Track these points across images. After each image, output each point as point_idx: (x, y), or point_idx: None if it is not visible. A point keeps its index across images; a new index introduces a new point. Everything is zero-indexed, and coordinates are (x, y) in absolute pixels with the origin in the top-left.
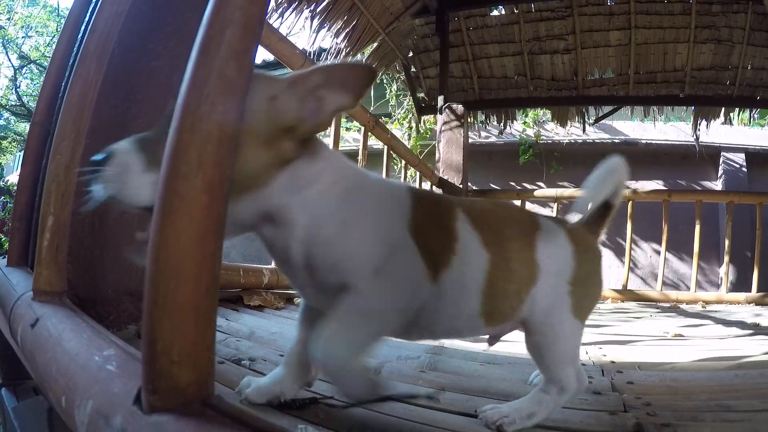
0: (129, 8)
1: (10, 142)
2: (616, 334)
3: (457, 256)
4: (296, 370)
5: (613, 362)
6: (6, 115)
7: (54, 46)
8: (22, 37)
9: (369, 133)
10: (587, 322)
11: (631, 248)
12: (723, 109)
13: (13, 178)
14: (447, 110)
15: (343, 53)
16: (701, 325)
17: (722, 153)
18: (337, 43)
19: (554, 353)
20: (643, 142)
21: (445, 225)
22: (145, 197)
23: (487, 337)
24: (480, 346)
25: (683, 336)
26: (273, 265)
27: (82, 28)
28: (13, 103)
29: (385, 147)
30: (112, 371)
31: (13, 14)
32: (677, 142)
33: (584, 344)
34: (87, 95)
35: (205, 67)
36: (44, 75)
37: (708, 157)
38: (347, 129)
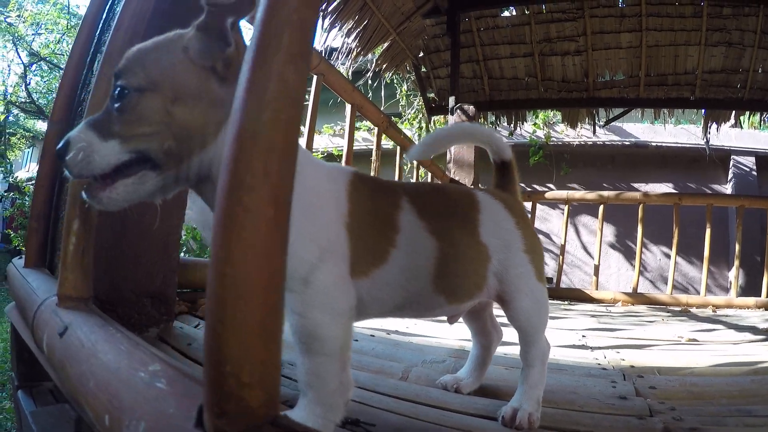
0: (155, 4)
1: (18, 139)
2: (631, 338)
3: (398, 249)
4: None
5: (632, 366)
6: (15, 111)
7: (72, 44)
8: (32, 35)
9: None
10: (602, 327)
11: (641, 251)
12: (733, 112)
13: (21, 174)
14: (458, 111)
15: (354, 53)
16: (714, 329)
17: (732, 156)
18: (347, 43)
19: (533, 319)
20: (653, 144)
21: (391, 219)
22: (112, 159)
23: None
24: (500, 350)
25: (697, 341)
26: None
27: (101, 25)
28: (23, 100)
29: (398, 147)
30: (163, 389)
31: (23, 11)
32: (687, 145)
33: (602, 348)
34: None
35: (264, 72)
36: (62, 73)
37: (718, 160)
38: (357, 129)
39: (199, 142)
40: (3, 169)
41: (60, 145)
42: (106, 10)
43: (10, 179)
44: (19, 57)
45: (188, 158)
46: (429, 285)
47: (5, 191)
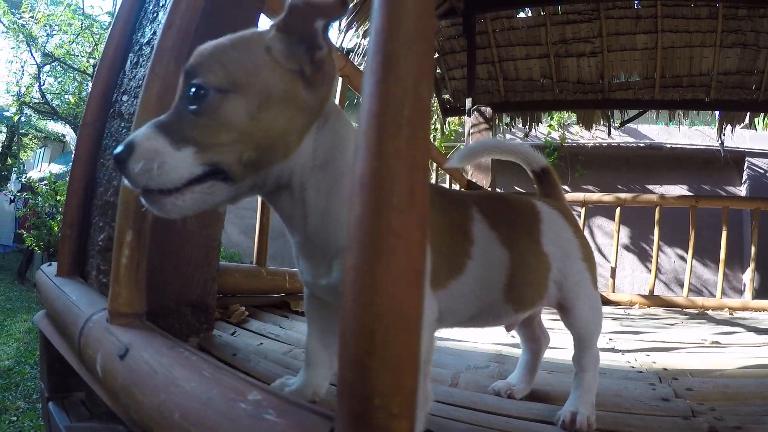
0: (205, 2)
1: (30, 139)
2: (656, 341)
3: (474, 260)
4: (322, 369)
5: (665, 369)
6: (27, 112)
7: (104, 43)
8: (46, 36)
9: None
10: (626, 330)
11: (657, 254)
12: (748, 113)
13: (33, 174)
14: (475, 112)
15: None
16: (734, 332)
17: (747, 158)
18: (363, 44)
19: (590, 325)
20: (668, 146)
21: (466, 229)
22: (185, 173)
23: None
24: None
25: (720, 343)
26: None
27: (136, 23)
28: (37, 101)
29: None
30: (275, 422)
31: (36, 12)
32: (702, 147)
33: (631, 351)
34: (165, 96)
35: (399, 87)
36: (95, 73)
37: (732, 161)
38: None
39: (282, 152)
40: (16, 169)
41: (121, 149)
42: (142, 9)
43: (23, 179)
44: (33, 58)
45: (267, 169)
46: (501, 295)
47: (18, 191)
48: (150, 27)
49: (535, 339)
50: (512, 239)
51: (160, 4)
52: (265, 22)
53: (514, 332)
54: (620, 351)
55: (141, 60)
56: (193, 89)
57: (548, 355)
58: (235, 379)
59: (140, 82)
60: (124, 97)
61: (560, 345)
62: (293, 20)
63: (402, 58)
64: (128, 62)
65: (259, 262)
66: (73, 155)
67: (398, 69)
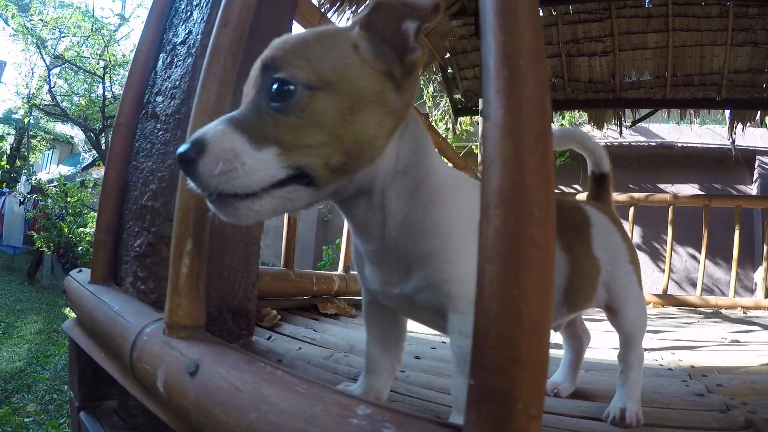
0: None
1: (39, 141)
2: (678, 340)
3: None
4: (384, 375)
5: (692, 367)
6: (35, 113)
7: (138, 42)
8: (55, 38)
9: None
10: (647, 329)
11: (671, 253)
12: (759, 112)
13: (42, 175)
14: None
15: None
16: (750, 331)
17: (758, 156)
18: None
19: (637, 325)
20: (679, 145)
21: None
22: (266, 177)
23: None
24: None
25: (739, 341)
26: (340, 271)
27: (167, 23)
28: (47, 103)
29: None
30: None
31: (45, 15)
32: (713, 146)
33: (656, 350)
34: (224, 97)
35: (530, 102)
36: (128, 72)
37: (743, 160)
38: None
39: (369, 157)
40: (26, 171)
41: (187, 147)
42: (174, 9)
43: (33, 181)
44: (43, 60)
45: (353, 174)
46: (560, 298)
47: (28, 193)
48: (184, 26)
49: (577, 338)
50: (569, 244)
51: (194, 3)
52: (297, 28)
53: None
54: (647, 350)
55: (176, 60)
56: (275, 84)
57: (606, 356)
58: (334, 393)
59: (177, 82)
60: (158, 98)
61: (593, 345)
62: (378, 18)
63: (529, 74)
64: (160, 62)
65: (287, 264)
66: (107, 158)
67: (527, 85)
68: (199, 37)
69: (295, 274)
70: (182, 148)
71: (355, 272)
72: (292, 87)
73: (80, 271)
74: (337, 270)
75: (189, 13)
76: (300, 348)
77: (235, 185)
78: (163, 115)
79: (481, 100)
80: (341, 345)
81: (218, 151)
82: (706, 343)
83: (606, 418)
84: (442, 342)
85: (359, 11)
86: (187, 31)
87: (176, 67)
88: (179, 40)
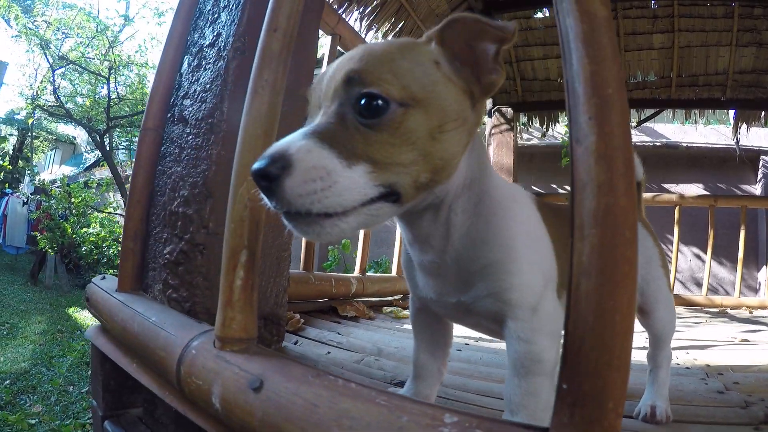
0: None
1: (41, 141)
2: (690, 339)
3: None
4: (431, 380)
5: (708, 365)
6: (38, 114)
7: (164, 44)
8: (58, 39)
9: None
10: None
11: (677, 253)
12: (763, 112)
13: (45, 176)
14: (496, 113)
15: None
16: (758, 330)
17: (762, 156)
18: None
19: (667, 326)
20: (684, 145)
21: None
22: (358, 197)
23: None
24: None
25: (749, 341)
26: (356, 273)
27: (191, 25)
28: (51, 104)
29: None
30: None
31: (48, 16)
32: (717, 146)
33: (671, 349)
34: (276, 104)
35: (619, 129)
36: (155, 74)
37: (748, 160)
38: None
39: (449, 174)
40: (29, 172)
41: (265, 162)
42: (203, 10)
43: (36, 182)
44: (48, 60)
45: (433, 190)
46: None
47: (31, 194)
48: (211, 28)
49: None
50: None
51: (221, 5)
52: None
53: None
54: None
55: (205, 63)
56: (365, 99)
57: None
58: (417, 404)
59: (206, 85)
60: (186, 101)
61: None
62: (453, 35)
63: (617, 102)
64: (185, 64)
65: (307, 267)
66: (134, 163)
67: (616, 113)
68: (230, 39)
69: (315, 277)
70: (260, 164)
71: (372, 274)
72: (383, 103)
73: (104, 277)
74: (354, 271)
75: (216, 15)
76: (329, 353)
77: (326, 205)
78: (192, 119)
79: (489, 101)
80: (369, 348)
81: (307, 168)
82: (717, 342)
83: (637, 416)
84: (466, 344)
85: (366, 11)
86: (215, 33)
87: (205, 69)
88: (207, 43)
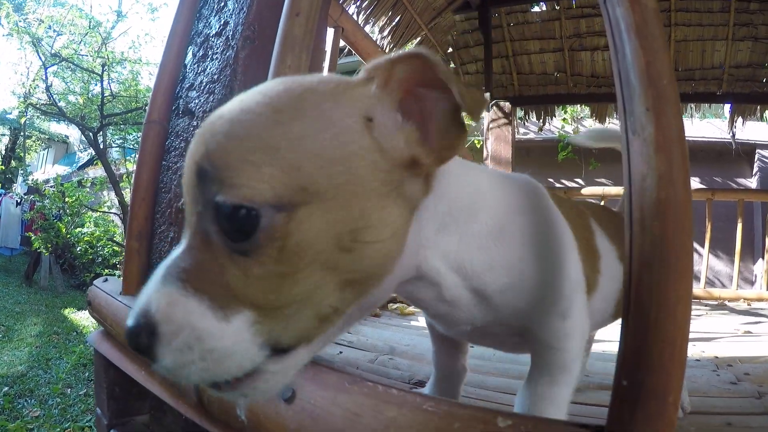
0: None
1: (34, 141)
2: (694, 332)
3: (602, 275)
4: (455, 379)
5: (716, 357)
6: (31, 112)
7: (168, 35)
8: (50, 37)
9: None
10: None
11: None
12: (759, 106)
13: (38, 175)
14: (494, 107)
15: (386, 49)
16: (759, 322)
17: (757, 150)
18: (380, 39)
19: None
20: None
21: (592, 244)
22: (245, 363)
23: None
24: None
25: (752, 332)
26: None
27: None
28: (43, 102)
29: None
30: None
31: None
32: (713, 139)
33: None
34: None
35: (675, 123)
36: (159, 66)
37: (744, 154)
38: None
39: (383, 273)
40: (22, 172)
41: (133, 326)
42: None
43: (30, 182)
44: (40, 58)
45: (363, 297)
46: (612, 308)
47: (24, 194)
48: (217, 17)
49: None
50: (622, 252)
51: None
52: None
53: None
54: None
55: (211, 53)
56: (224, 210)
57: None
58: (465, 408)
59: (214, 76)
60: (192, 93)
61: None
62: (407, 77)
63: (672, 94)
64: (189, 55)
65: None
66: (138, 158)
67: (672, 104)
68: (239, 28)
69: None
70: (130, 330)
71: None
72: (250, 212)
73: (106, 280)
74: None
75: (222, 3)
76: (341, 352)
77: (212, 377)
78: (199, 111)
79: (486, 95)
80: (381, 347)
81: (173, 331)
82: (721, 334)
83: None
84: None
85: (363, 5)
86: (222, 22)
87: (212, 59)
88: (213, 32)
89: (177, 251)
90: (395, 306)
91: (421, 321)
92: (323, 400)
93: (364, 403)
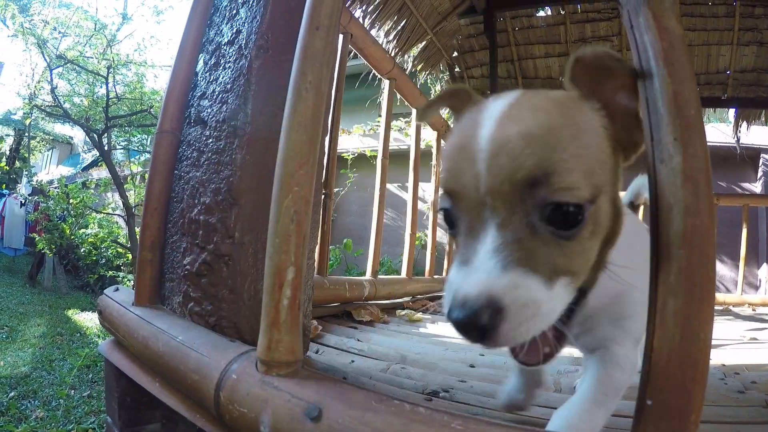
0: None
1: (38, 142)
2: None
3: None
4: (535, 380)
5: (723, 365)
6: (35, 114)
7: (180, 42)
8: (55, 38)
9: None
10: None
11: None
12: (764, 111)
13: (42, 176)
14: None
15: (392, 53)
16: (765, 328)
17: (762, 154)
18: (386, 43)
19: None
20: None
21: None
22: (561, 310)
23: None
24: None
25: (757, 339)
26: (368, 276)
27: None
28: (48, 104)
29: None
30: None
31: (45, 15)
32: (717, 144)
33: None
34: (321, 108)
35: (702, 148)
36: (170, 73)
37: (748, 158)
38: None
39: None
40: (26, 172)
41: (470, 312)
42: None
43: (34, 183)
44: (45, 60)
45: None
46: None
47: (29, 195)
48: (229, 25)
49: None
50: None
51: (239, 1)
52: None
53: None
54: None
55: (224, 61)
56: (554, 207)
57: None
58: (494, 426)
59: (227, 85)
60: (204, 102)
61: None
62: (611, 87)
63: (699, 124)
64: (201, 63)
65: (321, 272)
66: (150, 168)
67: (699, 134)
68: (253, 37)
69: (329, 281)
70: (465, 315)
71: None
72: (577, 209)
73: (117, 289)
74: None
75: (234, 11)
76: (353, 361)
77: (532, 333)
78: (212, 121)
79: None
80: (393, 355)
81: (520, 309)
82: (727, 341)
83: None
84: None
85: (368, 9)
86: (234, 30)
87: (224, 68)
88: (225, 40)
89: (498, 243)
90: (404, 312)
91: (430, 328)
92: (351, 420)
93: (392, 422)
